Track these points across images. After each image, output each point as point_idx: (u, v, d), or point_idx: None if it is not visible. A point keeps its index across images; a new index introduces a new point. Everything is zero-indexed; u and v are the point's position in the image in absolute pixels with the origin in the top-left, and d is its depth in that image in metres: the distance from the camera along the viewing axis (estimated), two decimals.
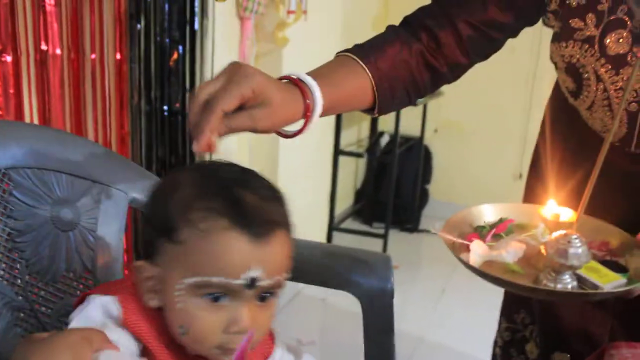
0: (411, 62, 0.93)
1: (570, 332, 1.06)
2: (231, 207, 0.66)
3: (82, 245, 0.94)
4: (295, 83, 0.82)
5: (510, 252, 0.83)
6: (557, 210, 0.85)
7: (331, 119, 2.96)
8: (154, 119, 1.81)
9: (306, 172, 2.82)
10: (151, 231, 0.70)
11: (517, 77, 3.56)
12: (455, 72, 0.99)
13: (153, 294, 0.69)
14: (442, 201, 3.97)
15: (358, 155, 3.30)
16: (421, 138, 3.71)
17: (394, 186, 3.42)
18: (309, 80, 0.82)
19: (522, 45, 3.52)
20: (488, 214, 0.94)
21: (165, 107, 1.83)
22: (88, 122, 1.56)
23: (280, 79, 0.83)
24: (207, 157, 0.84)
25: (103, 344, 0.62)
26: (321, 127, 2.84)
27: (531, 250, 0.84)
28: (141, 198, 1.00)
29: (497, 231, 0.90)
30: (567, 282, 0.78)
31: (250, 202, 0.67)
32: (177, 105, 1.84)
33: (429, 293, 2.91)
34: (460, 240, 0.85)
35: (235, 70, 0.74)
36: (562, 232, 0.77)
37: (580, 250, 0.75)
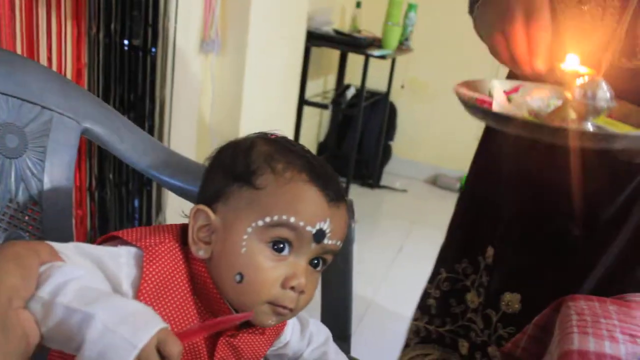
0: None
1: (527, 274, 1.07)
2: (309, 167, 0.70)
3: (28, 174, 0.89)
4: None
5: (535, 98, 0.80)
6: (576, 66, 0.81)
7: (297, 70, 2.90)
8: (113, 53, 1.72)
9: (270, 122, 2.76)
10: (222, 177, 0.72)
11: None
12: None
13: (203, 244, 0.70)
14: (405, 159, 3.99)
15: (323, 106, 3.26)
16: (387, 94, 3.68)
17: (358, 141, 3.40)
18: None
19: None
20: (496, 85, 0.88)
21: (126, 42, 1.75)
22: (41, 51, 1.47)
23: None
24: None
25: (51, 257, 0.59)
26: (287, 76, 2.78)
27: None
28: (95, 129, 0.94)
29: (511, 92, 0.87)
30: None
31: (324, 169, 0.72)
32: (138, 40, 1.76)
33: (386, 250, 2.92)
34: (478, 95, 0.81)
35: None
36: (588, 77, 0.75)
37: (608, 94, 0.74)
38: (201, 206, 0.71)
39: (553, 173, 1.02)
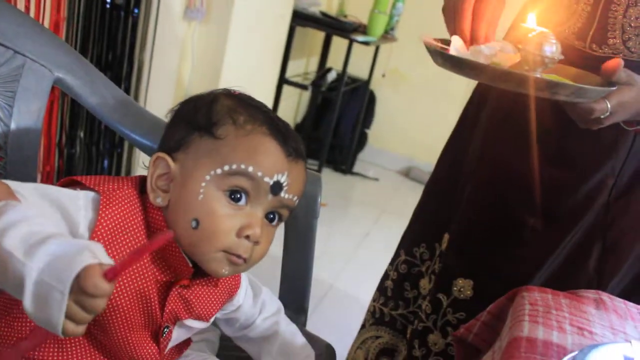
0: None
1: (481, 261, 1.09)
2: (270, 122, 0.72)
3: None
4: None
5: (489, 46, 0.83)
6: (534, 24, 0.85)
7: (280, 48, 2.88)
8: (95, 10, 1.69)
9: None
10: (184, 127, 0.72)
11: None
12: None
13: (161, 191, 0.71)
14: (380, 148, 4.00)
15: (303, 87, 3.25)
16: (368, 81, 3.68)
17: (334, 125, 3.40)
18: None
19: None
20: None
21: None
22: None
23: None
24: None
25: (6, 195, 0.59)
26: (269, 53, 2.77)
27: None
28: (68, 79, 0.93)
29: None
30: None
31: (284, 126, 0.74)
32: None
33: (353, 235, 2.94)
34: (441, 46, 0.85)
35: None
36: (539, 30, 0.80)
37: (555, 47, 0.78)
38: (161, 154, 0.72)
39: (518, 162, 1.03)
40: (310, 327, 1.03)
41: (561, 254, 1.03)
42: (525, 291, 0.83)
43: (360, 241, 2.91)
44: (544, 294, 0.82)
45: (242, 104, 0.73)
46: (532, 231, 1.04)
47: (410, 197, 3.44)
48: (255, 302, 0.89)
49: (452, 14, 0.86)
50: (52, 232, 0.55)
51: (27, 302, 0.50)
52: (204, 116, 0.72)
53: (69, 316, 0.49)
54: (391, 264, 1.30)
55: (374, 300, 1.33)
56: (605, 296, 0.86)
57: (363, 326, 1.35)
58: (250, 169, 0.68)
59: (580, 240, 1.02)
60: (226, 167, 0.68)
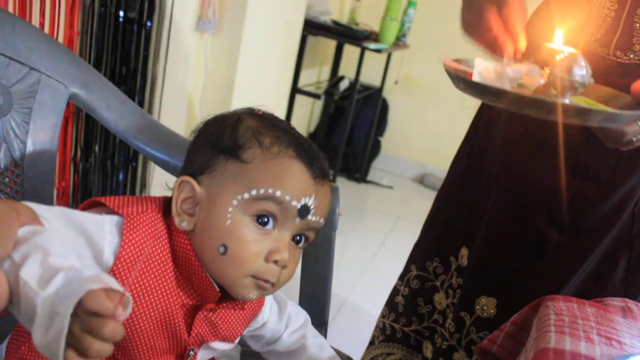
0: None
1: (504, 279, 1.06)
2: (296, 143, 0.71)
3: (11, 135, 0.87)
4: None
5: (515, 69, 0.80)
6: (561, 44, 0.81)
7: (292, 57, 2.88)
8: (108, 24, 1.70)
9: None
10: (208, 150, 0.71)
11: None
12: None
13: (186, 215, 0.69)
14: (393, 155, 3.98)
15: (315, 96, 3.24)
16: (380, 89, 3.67)
17: (347, 134, 3.39)
18: None
19: None
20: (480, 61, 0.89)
21: (121, 13, 1.72)
22: (34, 16, 1.44)
23: None
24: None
25: (31, 219, 0.58)
26: (281, 63, 2.77)
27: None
28: (83, 95, 0.93)
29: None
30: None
31: (310, 146, 0.73)
32: (134, 13, 1.74)
33: (369, 244, 2.92)
34: (463, 67, 0.82)
35: None
36: (568, 52, 0.76)
37: (585, 71, 0.74)
38: (186, 177, 0.71)
39: (539, 176, 1.01)
40: (328, 339, 1.01)
41: (587, 268, 1.01)
42: (550, 300, 0.81)
43: (377, 250, 2.89)
44: (569, 303, 0.81)
45: (267, 124, 0.72)
46: (557, 246, 1.01)
47: (425, 204, 3.41)
48: (281, 317, 0.88)
49: (478, 29, 0.84)
50: (69, 263, 0.54)
51: (34, 332, 0.48)
52: (229, 138, 0.70)
53: (71, 342, 0.47)
54: (400, 279, 1.27)
55: (383, 316, 1.30)
56: (632, 304, 0.84)
57: (372, 343, 1.32)
58: (278, 193, 0.67)
59: (606, 252, 1.00)
60: (253, 192, 0.67)
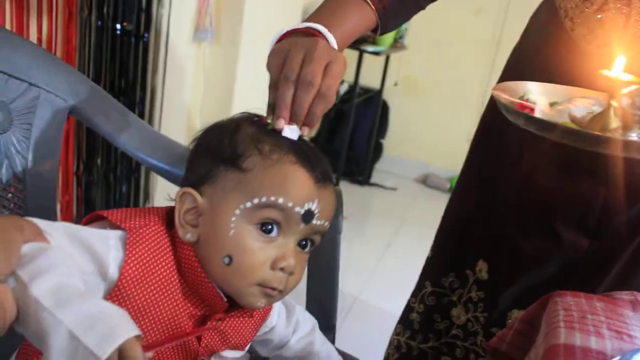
0: None
1: (534, 291, 1.03)
2: (296, 149, 0.70)
3: (12, 151, 0.87)
4: (312, 33, 0.80)
5: (579, 106, 0.78)
6: (620, 73, 0.77)
7: None
8: (105, 37, 1.70)
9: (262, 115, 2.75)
10: (209, 160, 0.71)
11: (481, 41, 3.54)
12: None
13: (190, 227, 0.69)
14: (396, 156, 3.98)
15: None
16: (380, 91, 3.67)
17: (349, 137, 3.39)
18: (323, 30, 0.80)
19: (489, 8, 3.49)
20: (533, 90, 0.86)
21: (118, 26, 1.72)
22: (32, 31, 1.44)
23: (289, 32, 0.80)
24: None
25: (35, 235, 0.58)
26: None
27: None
28: (83, 108, 0.93)
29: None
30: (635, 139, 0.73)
31: (311, 151, 0.72)
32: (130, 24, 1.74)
33: (375, 247, 2.92)
34: (518, 100, 0.79)
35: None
36: (636, 86, 0.72)
37: None
38: (188, 189, 0.70)
39: (565, 186, 0.99)
40: (337, 342, 1.01)
41: (614, 271, 1.01)
42: (558, 296, 0.81)
43: (382, 252, 2.89)
44: (578, 298, 0.80)
45: (266, 131, 0.71)
46: (587, 254, 1.01)
47: (430, 204, 3.42)
48: (289, 321, 0.87)
49: (280, 66, 0.74)
50: (82, 286, 0.54)
51: (53, 355, 0.49)
52: (228, 147, 0.70)
53: None
54: (414, 295, 1.25)
55: (397, 334, 1.28)
56: None
57: None
58: (281, 200, 0.67)
59: (632, 255, 1.00)
60: (256, 200, 0.67)
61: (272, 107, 0.74)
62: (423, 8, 0.97)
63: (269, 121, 0.73)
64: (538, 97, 0.80)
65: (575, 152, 0.89)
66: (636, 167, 0.93)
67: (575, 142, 0.72)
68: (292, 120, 0.72)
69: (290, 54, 0.73)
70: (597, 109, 0.79)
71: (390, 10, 0.89)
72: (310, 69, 0.72)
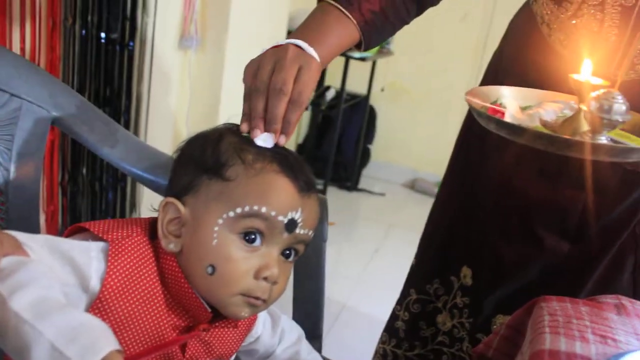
0: None
1: (518, 297, 1.04)
2: (279, 158, 0.70)
3: None
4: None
5: (549, 110, 0.78)
6: (589, 77, 0.77)
7: None
8: (90, 46, 1.69)
9: None
10: (192, 169, 0.70)
11: (467, 46, 3.56)
12: None
13: (173, 237, 0.69)
14: (383, 162, 3.99)
15: None
16: (367, 97, 3.68)
17: (337, 143, 3.39)
18: (304, 45, 0.80)
19: (474, 13, 3.52)
20: (506, 94, 0.86)
21: (103, 35, 1.72)
22: (14, 40, 1.44)
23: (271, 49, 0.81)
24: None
25: (14, 249, 0.58)
26: None
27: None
28: (66, 119, 0.92)
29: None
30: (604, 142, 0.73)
31: (294, 159, 0.72)
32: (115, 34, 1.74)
33: (363, 252, 2.92)
34: (489, 105, 0.79)
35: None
36: (604, 90, 0.73)
37: (624, 107, 0.72)
38: (170, 199, 0.70)
39: (543, 187, 1.00)
40: (325, 349, 1.01)
41: (596, 274, 1.02)
42: (543, 301, 0.81)
43: (370, 258, 2.89)
44: (563, 303, 0.81)
45: (249, 140, 0.71)
46: (567, 259, 1.02)
47: (418, 209, 3.41)
48: (275, 331, 0.87)
49: (252, 77, 0.76)
50: (62, 299, 0.54)
51: None
52: (212, 157, 0.70)
53: None
54: (399, 303, 1.25)
55: (382, 342, 1.28)
56: (625, 300, 0.84)
57: None
58: (264, 209, 0.67)
59: (614, 256, 1.01)
60: (239, 210, 0.66)
61: (247, 116, 0.75)
62: (407, 23, 0.98)
63: (243, 131, 0.73)
64: (510, 101, 0.81)
65: (553, 157, 0.90)
66: (612, 171, 0.94)
67: (546, 146, 0.73)
68: (267, 129, 0.72)
69: (261, 64, 0.75)
70: (567, 113, 0.80)
71: (373, 25, 0.90)
72: (281, 77, 0.73)
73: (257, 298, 0.68)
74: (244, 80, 0.77)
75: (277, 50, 0.77)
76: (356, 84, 3.60)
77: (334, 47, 0.86)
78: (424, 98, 3.79)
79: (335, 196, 3.56)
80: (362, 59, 3.06)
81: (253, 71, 0.76)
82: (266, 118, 0.73)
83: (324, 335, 1.03)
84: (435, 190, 3.85)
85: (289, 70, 0.74)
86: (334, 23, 0.87)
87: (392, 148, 3.97)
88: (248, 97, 0.75)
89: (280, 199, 0.68)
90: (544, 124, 0.78)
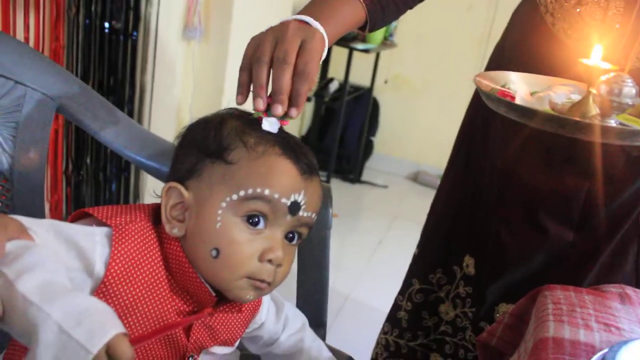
0: None
1: (522, 286, 1.03)
2: (281, 141, 0.70)
3: None
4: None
5: (559, 93, 0.78)
6: (598, 61, 0.78)
7: None
8: (93, 36, 1.69)
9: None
10: (194, 154, 0.71)
11: (471, 38, 3.54)
12: None
13: (176, 222, 0.69)
14: (386, 155, 3.98)
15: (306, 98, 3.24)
16: (371, 89, 3.67)
17: (340, 135, 3.39)
18: (311, 21, 0.79)
19: (479, 4, 3.50)
20: (514, 79, 0.86)
21: (107, 24, 1.72)
22: (18, 30, 1.43)
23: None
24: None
25: (19, 233, 0.58)
26: None
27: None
28: (70, 106, 0.92)
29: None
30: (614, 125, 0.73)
31: (296, 143, 0.72)
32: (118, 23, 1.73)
33: (366, 244, 2.92)
34: (499, 87, 0.79)
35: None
36: (614, 74, 0.73)
37: (634, 90, 0.72)
38: (173, 183, 0.70)
39: (546, 176, 1.00)
40: (329, 339, 1.01)
41: (599, 263, 1.02)
42: (547, 290, 0.81)
43: (374, 250, 2.89)
44: (567, 291, 0.80)
45: (251, 124, 0.71)
46: (571, 248, 1.02)
47: (420, 201, 3.41)
48: (279, 317, 0.87)
49: (253, 51, 0.75)
50: (68, 283, 0.54)
51: (42, 349, 0.48)
52: (214, 141, 0.70)
53: None
54: (401, 294, 1.25)
55: (385, 332, 1.28)
56: (629, 290, 0.84)
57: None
58: (267, 192, 0.67)
59: (617, 245, 1.01)
60: (242, 193, 0.67)
61: (242, 87, 0.74)
62: (411, 7, 0.97)
63: (239, 103, 0.73)
64: (519, 85, 0.81)
65: (557, 145, 0.89)
66: (617, 158, 0.94)
67: (556, 128, 0.73)
68: (273, 100, 0.71)
69: (262, 39, 0.74)
70: (576, 97, 0.80)
71: (379, 5, 0.90)
72: (284, 48, 0.72)
73: (262, 281, 0.69)
74: (245, 54, 0.76)
75: (279, 25, 0.76)
76: (359, 76, 3.59)
77: (340, 25, 0.85)
78: (426, 90, 3.78)
79: (338, 188, 3.56)
80: (366, 51, 3.05)
81: (254, 46, 0.75)
82: (272, 90, 0.72)
83: (328, 325, 1.04)
84: (438, 182, 3.84)
85: (292, 42, 0.73)
86: (342, 2, 0.87)
87: (395, 140, 3.96)
88: (246, 68, 0.74)
89: (282, 181, 0.68)
90: (553, 107, 0.78)
